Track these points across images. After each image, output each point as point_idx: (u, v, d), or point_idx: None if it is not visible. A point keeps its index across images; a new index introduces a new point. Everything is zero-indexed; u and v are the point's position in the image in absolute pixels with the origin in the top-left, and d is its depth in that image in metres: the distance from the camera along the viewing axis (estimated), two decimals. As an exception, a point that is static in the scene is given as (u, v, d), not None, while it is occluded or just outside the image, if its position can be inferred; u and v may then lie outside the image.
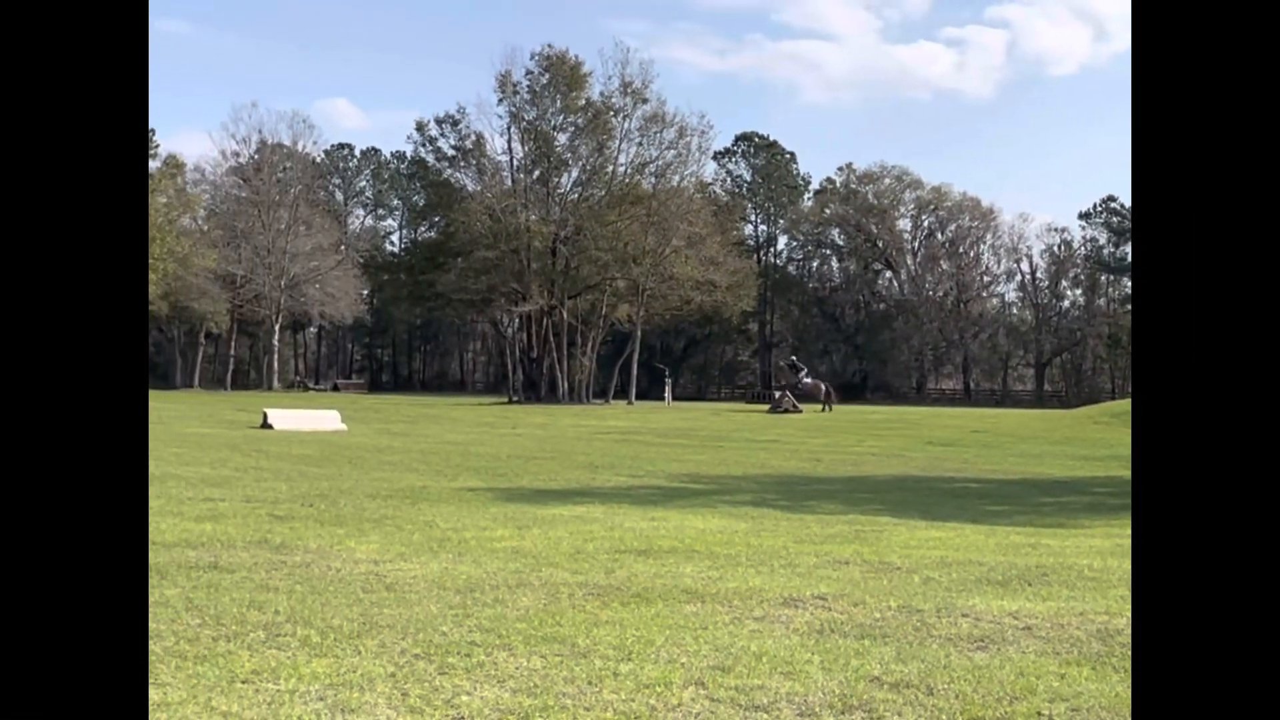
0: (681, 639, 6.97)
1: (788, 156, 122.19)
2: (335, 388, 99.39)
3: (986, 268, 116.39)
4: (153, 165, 79.39)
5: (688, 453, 27.94)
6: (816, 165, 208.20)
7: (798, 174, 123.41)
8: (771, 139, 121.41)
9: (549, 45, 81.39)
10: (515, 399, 75.69)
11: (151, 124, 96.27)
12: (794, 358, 74.26)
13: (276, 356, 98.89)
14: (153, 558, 9.66)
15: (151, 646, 6.52)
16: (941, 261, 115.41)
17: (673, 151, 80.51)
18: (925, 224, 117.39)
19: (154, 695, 5.61)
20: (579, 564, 9.86)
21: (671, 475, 21.44)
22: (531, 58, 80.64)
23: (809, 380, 66.49)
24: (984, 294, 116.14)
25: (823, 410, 59.70)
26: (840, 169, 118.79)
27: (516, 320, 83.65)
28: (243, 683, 5.88)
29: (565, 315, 78.57)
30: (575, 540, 11.37)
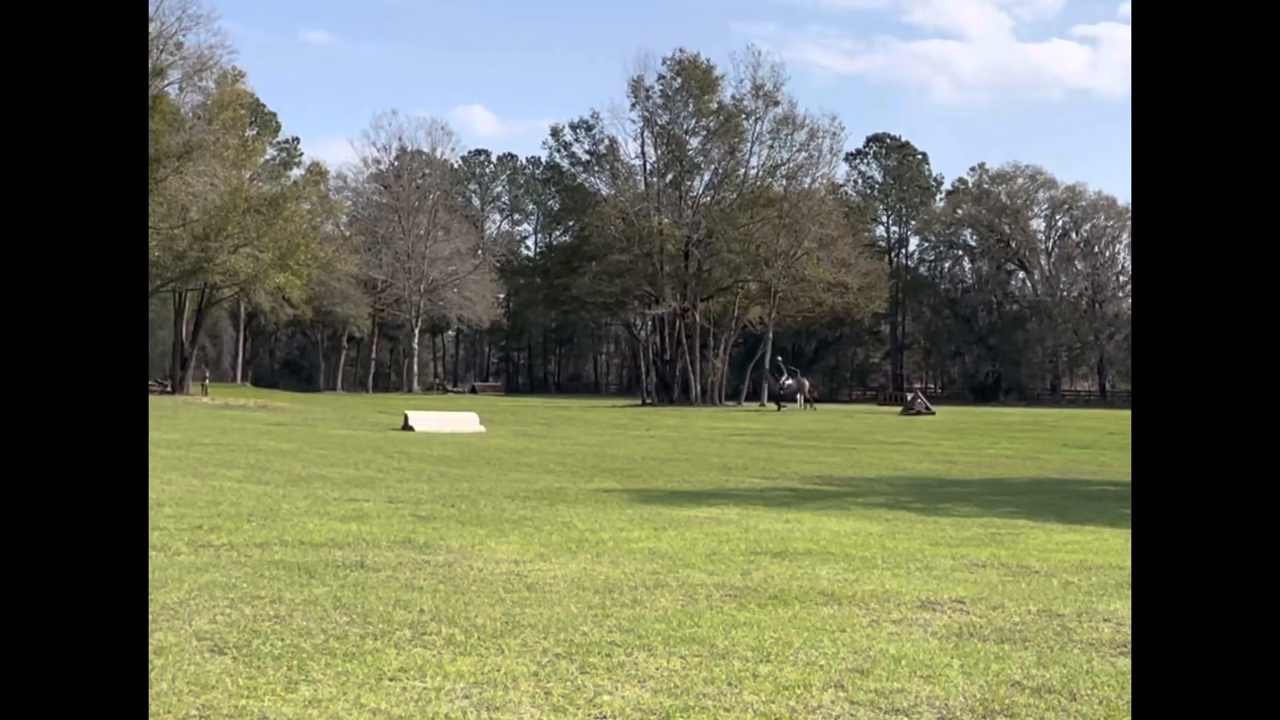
0: (819, 641, 6.94)
1: (919, 157, 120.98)
2: (473, 390, 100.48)
3: (1123, 267, 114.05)
4: (297, 173, 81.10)
5: (820, 454, 27.79)
6: (948, 166, 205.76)
7: (929, 175, 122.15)
8: (903, 140, 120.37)
9: (681, 49, 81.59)
10: (649, 401, 75.87)
11: (296, 132, 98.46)
12: (779, 359, 74.32)
13: (416, 359, 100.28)
14: (301, 557, 9.87)
15: (301, 644, 6.66)
16: (1076, 261, 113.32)
17: (804, 153, 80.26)
18: (1059, 224, 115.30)
19: (305, 692, 5.73)
20: (715, 565, 9.87)
21: (804, 477, 21.35)
22: (664, 62, 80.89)
23: (790, 381, 68.09)
24: (1120, 294, 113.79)
25: (806, 408, 62.50)
26: (972, 169, 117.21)
27: (650, 323, 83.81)
28: (390, 680, 5.98)
29: (697, 317, 78.59)
30: (711, 542, 11.38)
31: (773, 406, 67.41)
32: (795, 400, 66.01)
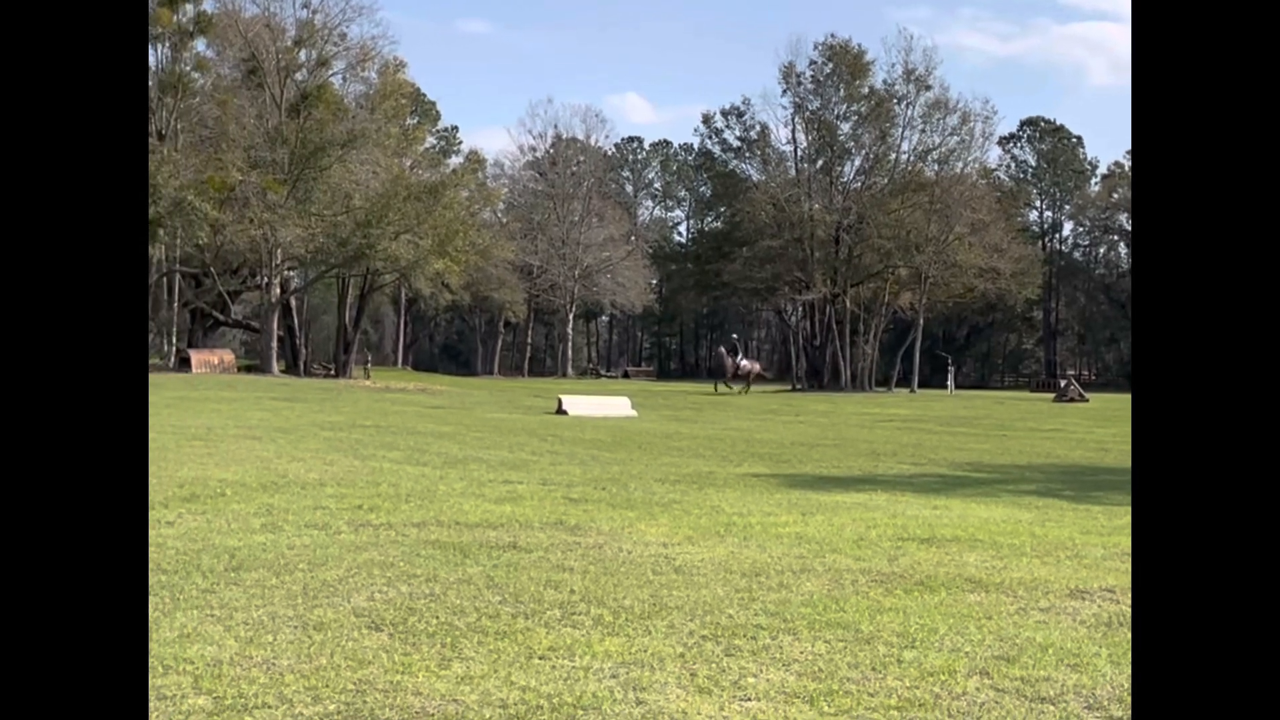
0: (965, 628, 6.88)
1: (1074, 141, 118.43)
2: (626, 375, 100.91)
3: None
4: (455, 161, 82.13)
5: (971, 441, 27.41)
6: (1104, 149, 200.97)
7: (1084, 158, 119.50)
8: (1058, 123, 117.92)
9: (832, 35, 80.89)
10: (798, 386, 75.55)
11: (455, 121, 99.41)
12: (734, 336, 72.51)
13: (570, 344, 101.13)
14: (456, 537, 10.04)
15: (455, 621, 6.79)
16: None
17: (956, 138, 79.05)
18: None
19: (457, 668, 5.84)
20: (862, 551, 9.82)
21: (954, 464, 21.08)
22: (815, 48, 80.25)
23: (745, 362, 64.53)
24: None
25: (742, 391, 58.84)
26: (1129, 152, 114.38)
27: (800, 308, 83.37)
28: (540, 658, 6.06)
29: (848, 303, 77.95)
30: (858, 527, 11.31)
31: (903, 391, 66.52)
32: (743, 382, 61.83)
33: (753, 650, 6.31)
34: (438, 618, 6.88)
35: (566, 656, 6.10)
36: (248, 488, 13.36)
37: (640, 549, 9.65)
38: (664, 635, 6.59)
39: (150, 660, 5.85)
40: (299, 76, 62.44)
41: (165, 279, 62.09)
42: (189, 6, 59.57)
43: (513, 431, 25.42)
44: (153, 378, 48.39)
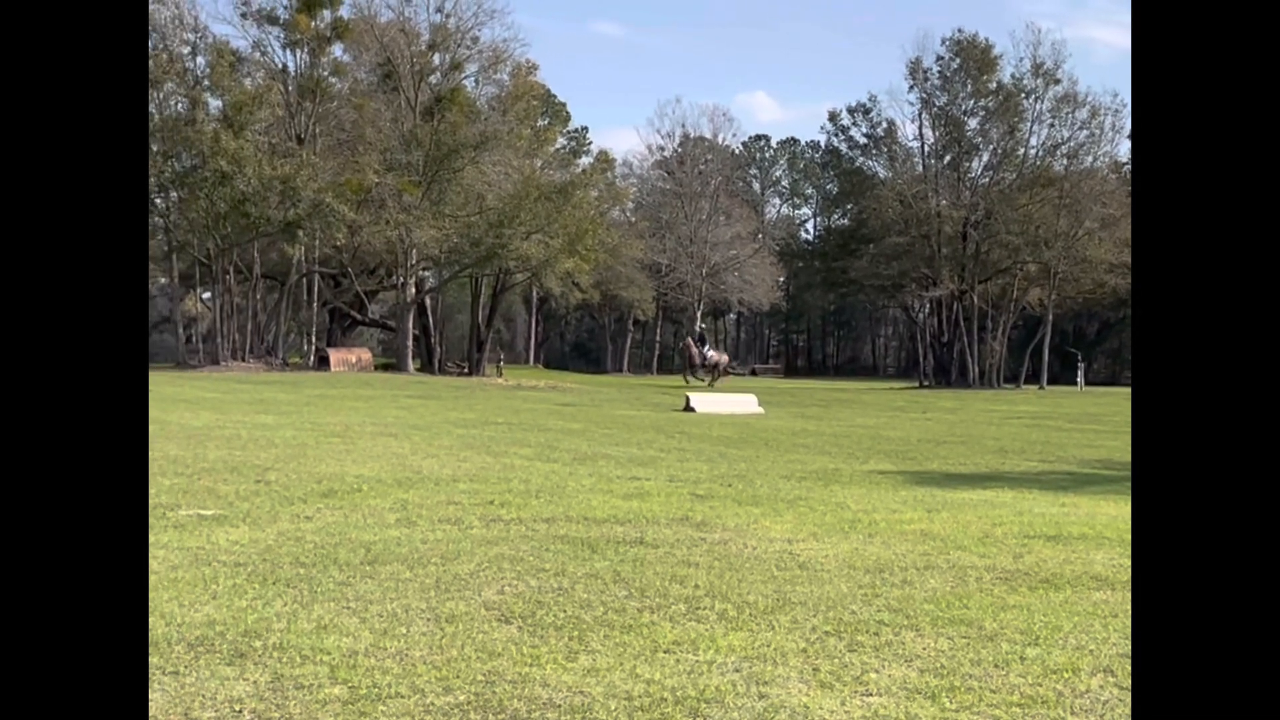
0: (1090, 626, 6.80)
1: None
2: (753, 372, 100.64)
3: None
4: (585, 161, 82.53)
5: (1100, 438, 26.92)
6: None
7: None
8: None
9: (959, 30, 79.98)
10: (926, 383, 74.79)
11: (585, 121, 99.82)
12: (701, 326, 70.03)
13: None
14: (584, 532, 10.13)
15: (582, 615, 6.87)
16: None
17: (1085, 132, 77.69)
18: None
19: (584, 661, 5.91)
20: (987, 548, 9.72)
21: (1083, 461, 20.74)
22: (942, 43, 79.45)
23: (712, 353, 62.47)
24: None
25: (710, 383, 56.77)
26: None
27: (927, 305, 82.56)
28: (664, 652, 6.11)
29: (975, 300, 76.99)
30: (983, 524, 11.20)
31: (1032, 388, 65.02)
32: (711, 373, 60.00)
33: (875, 646, 6.30)
34: (565, 611, 6.97)
35: (690, 650, 6.15)
36: (383, 483, 13.60)
37: (765, 545, 9.67)
38: (787, 630, 6.61)
39: (288, 651, 6.02)
40: (433, 80, 63.24)
41: (305, 279, 63.28)
42: (326, 13, 60.57)
43: (641, 428, 25.52)
44: (293, 376, 49.43)
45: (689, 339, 63.10)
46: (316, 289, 65.52)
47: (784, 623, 6.79)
